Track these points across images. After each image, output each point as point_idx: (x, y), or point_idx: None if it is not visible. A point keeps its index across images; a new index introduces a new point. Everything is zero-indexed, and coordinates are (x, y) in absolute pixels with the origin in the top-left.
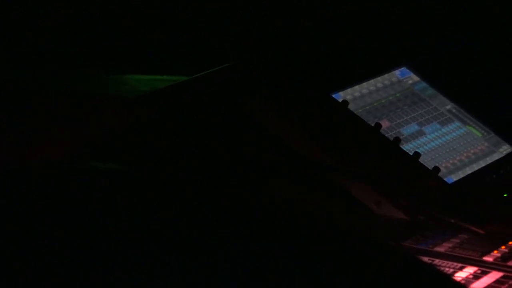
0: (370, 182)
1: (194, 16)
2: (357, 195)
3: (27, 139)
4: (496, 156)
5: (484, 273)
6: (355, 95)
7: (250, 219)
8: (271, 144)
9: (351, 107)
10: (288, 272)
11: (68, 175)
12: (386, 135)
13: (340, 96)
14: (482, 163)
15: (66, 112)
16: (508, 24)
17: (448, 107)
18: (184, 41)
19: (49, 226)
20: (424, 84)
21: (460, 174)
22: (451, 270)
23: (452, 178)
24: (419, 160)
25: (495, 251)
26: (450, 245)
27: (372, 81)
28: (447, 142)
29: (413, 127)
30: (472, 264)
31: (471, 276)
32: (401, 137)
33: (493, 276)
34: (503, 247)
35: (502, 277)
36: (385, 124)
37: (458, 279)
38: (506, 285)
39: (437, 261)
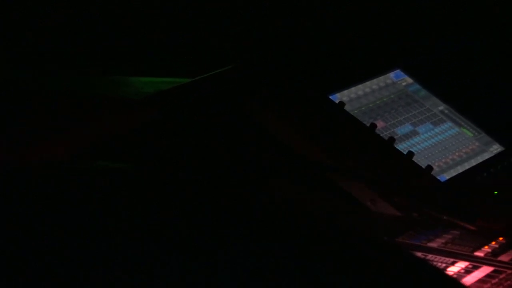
0: (365, 180)
1: (194, 16)
2: (353, 193)
3: (27, 139)
4: (486, 155)
5: (475, 267)
6: (351, 97)
7: (250, 219)
8: (271, 144)
9: (347, 108)
10: (288, 272)
11: (68, 175)
12: (381, 135)
13: (337, 97)
14: (473, 162)
15: (66, 112)
16: (498, 26)
17: (441, 108)
18: (184, 41)
19: (49, 226)
20: (417, 86)
21: (452, 173)
22: (444, 265)
23: (445, 177)
24: (413, 159)
25: (486, 247)
26: (443, 240)
27: (367, 83)
28: (440, 142)
29: (407, 127)
30: (463, 259)
31: (462, 271)
32: (395, 137)
33: (484, 270)
34: (493, 242)
35: (492, 271)
36: (380, 124)
37: (450, 273)
38: (497, 279)
39: (430, 256)
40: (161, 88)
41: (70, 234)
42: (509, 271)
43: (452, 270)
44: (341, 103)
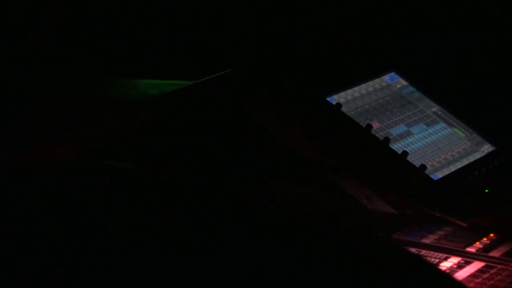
0: (361, 178)
1: (194, 16)
2: (350, 191)
3: (27, 139)
4: (478, 155)
5: (467, 263)
6: (348, 98)
7: (250, 219)
8: (271, 144)
9: (344, 109)
10: (288, 272)
11: (68, 175)
12: (377, 135)
13: (334, 99)
14: (465, 161)
15: (66, 112)
16: (490, 29)
17: (434, 109)
18: (184, 41)
19: (49, 226)
20: (411, 88)
21: (445, 172)
22: (437, 260)
23: (438, 175)
24: (407, 158)
25: (477, 243)
26: (436, 237)
27: (363, 86)
28: (433, 142)
29: (401, 128)
30: (456, 254)
31: (455, 266)
32: (390, 137)
33: (476, 265)
34: (484, 238)
35: (483, 266)
36: (375, 125)
37: (443, 268)
38: (487, 274)
39: (423, 252)
40: (165, 90)
41: (70, 234)
42: (499, 266)
43: (445, 265)
44: (338, 105)
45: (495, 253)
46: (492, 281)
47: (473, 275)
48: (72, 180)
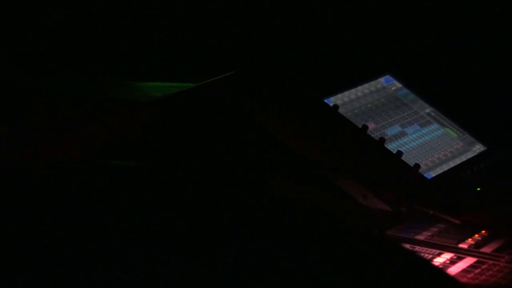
0: (358, 177)
1: (194, 16)
2: (347, 189)
3: (27, 139)
4: (470, 155)
5: (460, 258)
6: (344, 100)
7: (250, 219)
8: (271, 144)
9: (341, 110)
10: (288, 272)
11: (68, 175)
12: (372, 135)
13: (331, 100)
14: (457, 161)
15: (66, 112)
16: (487, 29)
17: (428, 110)
18: (184, 41)
19: (49, 226)
20: (406, 90)
21: (438, 171)
22: (430, 256)
23: (431, 174)
24: (402, 158)
25: (470, 239)
26: (429, 233)
27: (359, 88)
28: (427, 142)
29: (396, 129)
30: (449, 250)
31: (448, 262)
32: (385, 138)
33: (468, 261)
34: (476, 235)
35: (475, 262)
36: (371, 126)
37: (436, 264)
38: (479, 269)
39: (417, 248)
40: (169, 92)
41: (70, 234)
42: (490, 262)
43: (438, 261)
44: (335, 106)
45: (486, 249)
46: (483, 276)
47: (465, 270)
48: (72, 180)
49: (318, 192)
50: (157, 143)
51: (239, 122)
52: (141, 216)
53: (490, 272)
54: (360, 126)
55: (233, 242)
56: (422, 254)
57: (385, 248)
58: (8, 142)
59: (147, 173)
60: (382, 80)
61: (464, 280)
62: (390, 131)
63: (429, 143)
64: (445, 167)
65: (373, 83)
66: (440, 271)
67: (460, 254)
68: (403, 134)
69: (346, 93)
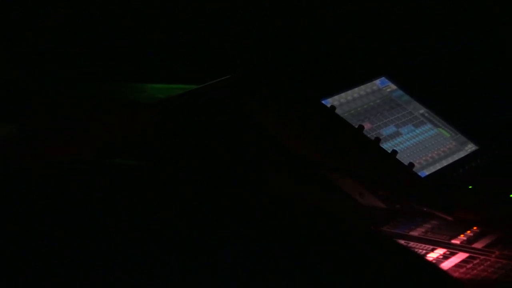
0: (354, 176)
1: (194, 16)
2: (344, 187)
3: (27, 139)
4: (462, 154)
5: (452, 254)
6: (341, 101)
7: (250, 219)
8: (271, 144)
9: (338, 111)
10: (288, 272)
11: (68, 175)
12: (368, 135)
13: (328, 102)
14: (450, 160)
15: (66, 112)
16: (478, 32)
17: (421, 111)
18: (184, 41)
19: (49, 226)
20: (400, 92)
21: (432, 169)
22: (424, 251)
23: (425, 173)
24: (397, 157)
25: (462, 235)
26: (423, 230)
27: (356, 89)
28: (421, 142)
29: (391, 129)
30: (442, 246)
31: (441, 257)
32: (380, 137)
33: (460, 256)
34: (468, 231)
35: (467, 257)
36: (367, 126)
37: (430, 259)
38: (471, 264)
39: (411, 244)
40: (173, 94)
41: (70, 234)
42: (482, 257)
43: (432, 256)
44: (332, 107)
45: (478, 245)
46: (475, 271)
47: (457, 265)
48: (72, 180)
49: (318, 192)
50: (157, 143)
51: (239, 122)
52: (141, 216)
53: (482, 266)
54: (356, 126)
55: (233, 242)
56: (416, 250)
57: (383, 248)
58: (8, 142)
59: (147, 173)
60: (377, 82)
61: (456, 274)
62: (385, 131)
63: (423, 142)
64: (438, 166)
65: (369, 85)
66: (434, 266)
67: (453, 250)
68: (397, 134)
69: (343, 94)
